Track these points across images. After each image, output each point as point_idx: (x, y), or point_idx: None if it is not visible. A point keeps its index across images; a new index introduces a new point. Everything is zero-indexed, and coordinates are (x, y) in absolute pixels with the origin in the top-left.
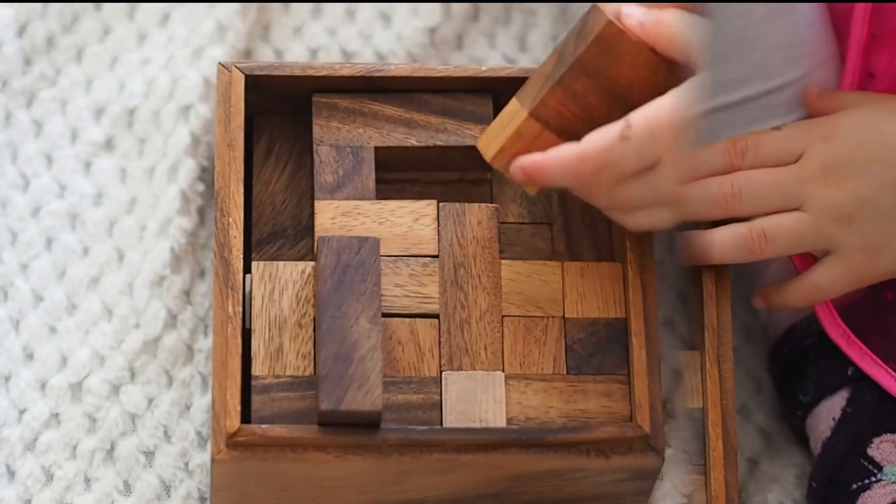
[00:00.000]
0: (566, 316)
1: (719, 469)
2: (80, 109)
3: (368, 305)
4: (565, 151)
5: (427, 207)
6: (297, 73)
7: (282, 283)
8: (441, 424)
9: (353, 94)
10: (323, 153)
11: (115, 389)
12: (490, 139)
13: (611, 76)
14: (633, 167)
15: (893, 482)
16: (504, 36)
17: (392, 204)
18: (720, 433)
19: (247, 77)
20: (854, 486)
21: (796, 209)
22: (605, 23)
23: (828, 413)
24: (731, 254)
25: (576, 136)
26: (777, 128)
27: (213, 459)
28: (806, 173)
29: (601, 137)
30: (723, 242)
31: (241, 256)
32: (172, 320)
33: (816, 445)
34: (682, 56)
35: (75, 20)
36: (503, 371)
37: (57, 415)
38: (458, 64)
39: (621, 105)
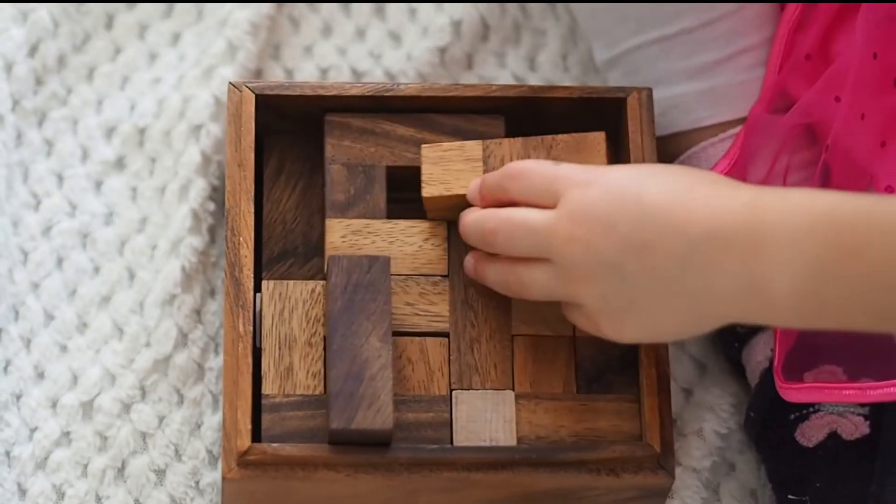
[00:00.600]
0: (576, 335)
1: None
2: (90, 129)
3: (379, 324)
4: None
5: (437, 227)
6: (308, 92)
7: (292, 301)
8: (451, 443)
9: (366, 114)
10: (335, 172)
11: (126, 408)
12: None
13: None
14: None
15: (831, 413)
16: (514, 56)
17: (403, 223)
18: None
19: (257, 96)
20: (792, 416)
21: (547, 260)
22: (598, 134)
23: (765, 344)
24: (499, 290)
25: None
26: (557, 162)
27: (223, 478)
28: (556, 222)
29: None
30: (490, 281)
31: (252, 275)
32: (183, 339)
33: (754, 376)
34: None
35: (86, 40)
36: (513, 390)
37: (68, 433)
38: (469, 83)
39: None
